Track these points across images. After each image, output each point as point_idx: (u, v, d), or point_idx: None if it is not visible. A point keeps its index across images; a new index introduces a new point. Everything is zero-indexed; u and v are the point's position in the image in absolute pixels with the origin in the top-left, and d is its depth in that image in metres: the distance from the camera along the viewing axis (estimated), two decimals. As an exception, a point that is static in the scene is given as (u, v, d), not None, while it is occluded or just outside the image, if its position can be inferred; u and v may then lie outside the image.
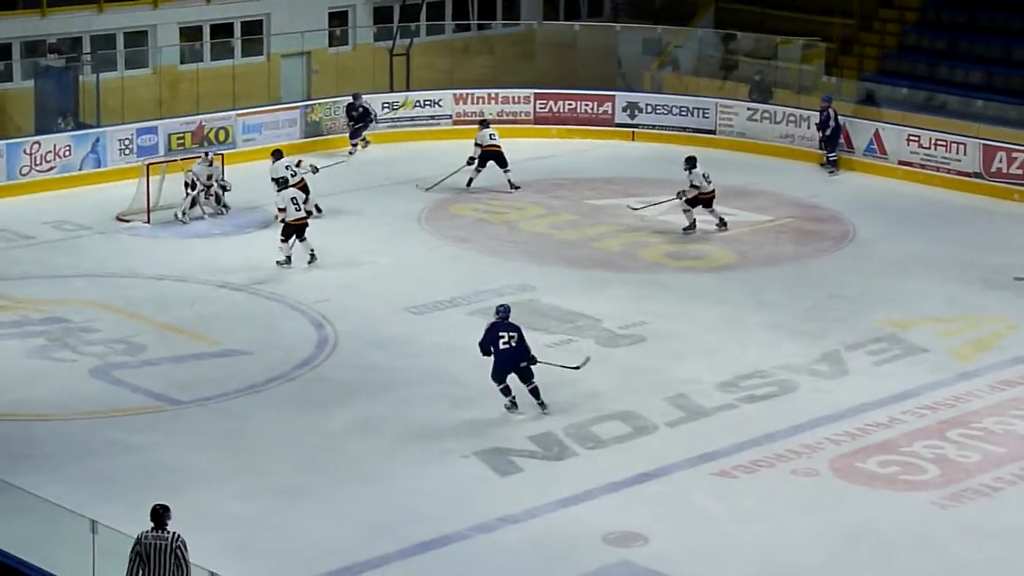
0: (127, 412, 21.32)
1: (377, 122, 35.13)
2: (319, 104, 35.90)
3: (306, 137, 35.23)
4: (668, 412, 21.57)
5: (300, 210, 27.07)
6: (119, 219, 29.73)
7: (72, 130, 32.81)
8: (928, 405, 21.99)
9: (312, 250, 27.04)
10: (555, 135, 36.69)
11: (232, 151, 32.90)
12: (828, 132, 33.98)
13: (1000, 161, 32.97)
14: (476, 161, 31.77)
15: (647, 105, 37.17)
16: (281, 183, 27.73)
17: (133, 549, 14.76)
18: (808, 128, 34.91)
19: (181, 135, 33.49)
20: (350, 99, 34.58)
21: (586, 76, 38.53)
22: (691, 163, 29.32)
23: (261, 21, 37.29)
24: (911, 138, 34.18)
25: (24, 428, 20.72)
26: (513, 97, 37.33)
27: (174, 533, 14.82)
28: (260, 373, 22.68)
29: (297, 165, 29.44)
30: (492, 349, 21.08)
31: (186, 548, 14.81)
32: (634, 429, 21.04)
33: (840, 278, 27.52)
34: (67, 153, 32.08)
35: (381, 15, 39.04)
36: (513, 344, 21.03)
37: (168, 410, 21.41)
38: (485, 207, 31.18)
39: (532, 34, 40.72)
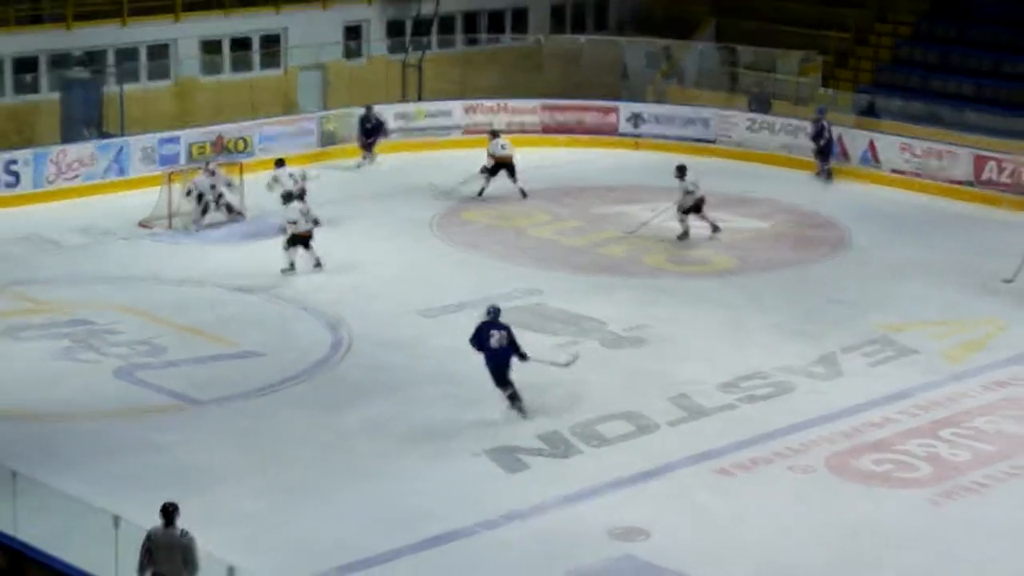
0: (149, 411, 21.34)
1: (388, 135, 35.07)
2: (334, 114, 35.93)
3: (322, 146, 35.28)
4: (670, 412, 21.55)
5: (308, 222, 27.05)
6: (142, 225, 29.76)
7: (96, 140, 32.84)
8: (921, 405, 21.97)
9: (318, 257, 27.00)
10: (561, 144, 36.69)
11: (251, 160, 32.93)
12: (822, 143, 33.96)
13: (991, 170, 32.96)
14: (489, 171, 31.72)
15: (650, 115, 37.20)
16: (286, 197, 27.77)
17: (144, 545, 14.78)
18: (805, 139, 34.87)
19: (202, 144, 33.52)
20: (363, 111, 34.50)
21: (591, 87, 38.55)
22: (682, 171, 29.20)
23: (279, 35, 37.33)
24: (905, 147, 34.19)
25: (50, 427, 20.73)
26: (521, 108, 37.39)
27: (183, 530, 14.84)
28: (276, 374, 22.69)
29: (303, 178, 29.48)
30: (483, 348, 21.02)
31: (194, 544, 14.83)
32: (637, 428, 21.02)
33: (837, 283, 27.50)
34: (92, 162, 32.15)
35: (394, 29, 39.08)
36: (504, 343, 20.97)
37: (188, 409, 21.43)
38: (494, 214, 31.18)
39: (539, 47, 40.73)
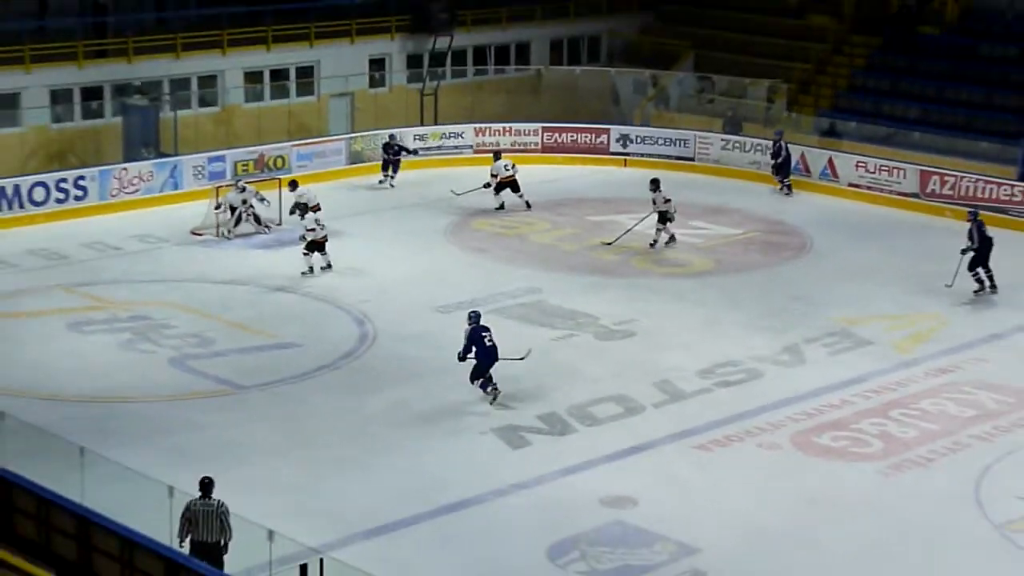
0: (199, 395, 21.33)
1: (416, 153, 34.90)
2: (361, 136, 35.89)
3: (350, 164, 35.22)
4: (655, 395, 21.54)
5: (323, 229, 27.00)
6: (193, 233, 29.71)
7: (154, 159, 32.82)
8: (874, 389, 21.96)
9: (329, 261, 26.90)
10: (559, 162, 36.67)
11: (288, 176, 32.89)
12: (780, 160, 33.94)
13: (934, 183, 32.90)
14: (494, 189, 31.60)
15: (637, 136, 37.09)
16: (302, 208, 27.74)
17: (183, 515, 14.81)
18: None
19: (245, 162, 33.49)
20: (387, 138, 34.19)
21: (586, 112, 38.49)
22: (655, 184, 28.94)
23: (312, 66, 37.26)
24: (860, 164, 34.10)
25: (112, 409, 20.73)
26: (524, 130, 37.27)
27: (219, 501, 14.88)
28: (311, 362, 22.68)
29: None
30: (475, 350, 20.71)
31: (228, 513, 14.86)
32: (626, 409, 21.01)
33: (800, 282, 27.46)
34: (149, 178, 32.09)
35: (413, 61, 39.02)
36: (494, 342, 20.86)
37: (233, 394, 21.41)
38: (500, 223, 31.12)
39: (540, 77, 40.66)
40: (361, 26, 37.98)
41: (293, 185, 29.74)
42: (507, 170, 31.76)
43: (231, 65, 35.81)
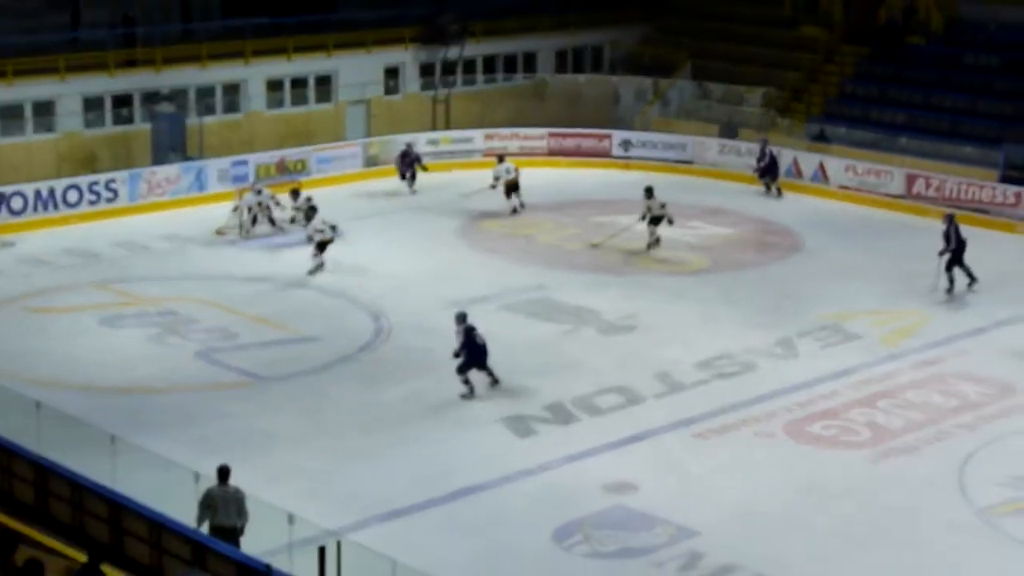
0: (224, 387, 21.35)
1: (427, 170, 33.90)
2: (376, 141, 35.90)
3: (366, 167, 35.24)
4: (655, 386, 21.53)
5: (328, 232, 26.91)
6: (217, 233, 29.73)
7: (180, 162, 32.84)
8: (862, 380, 21.94)
9: (324, 261, 26.73)
10: (564, 165, 36.66)
11: (307, 178, 32.96)
12: (765, 164, 33.88)
13: (920, 186, 32.89)
14: (504, 193, 31.37)
15: (638, 141, 37.09)
16: (309, 213, 27.55)
17: (203, 501, 14.83)
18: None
19: (267, 166, 33.52)
20: (404, 147, 33.74)
21: (589, 118, 38.44)
22: (650, 192, 28.69)
23: (330, 75, 37.26)
24: (849, 167, 34.07)
25: (142, 399, 20.77)
26: (530, 135, 37.29)
27: (235, 487, 14.89)
28: (329, 355, 22.69)
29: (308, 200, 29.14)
30: (469, 347, 20.61)
31: (244, 497, 14.88)
32: (627, 400, 21.00)
33: (792, 280, 27.43)
34: (177, 180, 32.15)
35: (426, 70, 38.99)
36: (483, 339, 20.76)
37: (255, 384, 21.44)
38: (508, 224, 31.11)
39: (546, 84, 40.62)
40: (377, 37, 37.99)
41: (295, 193, 29.64)
42: (508, 173, 31.66)
43: (254, 74, 35.82)
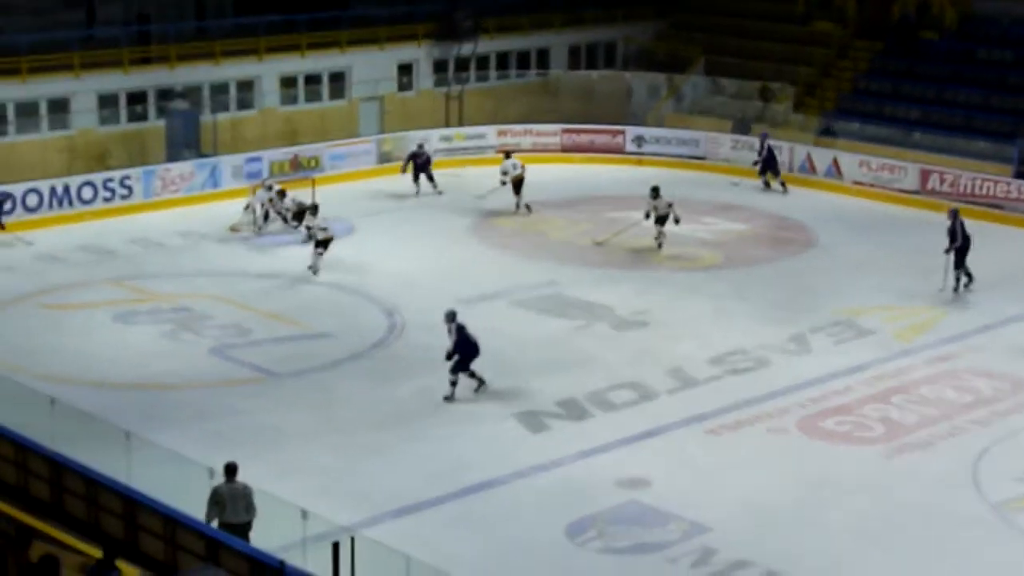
0: (237, 383, 21.38)
1: (436, 188, 33.16)
2: (390, 137, 35.91)
3: (379, 164, 35.24)
4: (667, 382, 21.51)
5: (330, 230, 26.75)
6: (231, 229, 29.76)
7: (195, 159, 32.88)
8: (876, 376, 21.88)
9: (319, 260, 26.53)
10: (577, 162, 36.62)
11: (321, 175, 32.98)
12: (763, 158, 33.76)
13: (934, 181, 32.79)
14: (513, 190, 31.23)
15: (651, 137, 37.06)
16: (313, 210, 27.43)
17: (211, 499, 14.84)
18: (780, 155, 34.77)
19: (281, 163, 33.55)
20: (415, 148, 33.29)
21: (602, 114, 38.42)
22: (656, 191, 28.41)
23: (344, 72, 37.28)
24: (863, 163, 34.00)
25: (156, 395, 20.81)
26: (544, 131, 37.28)
27: (243, 483, 14.90)
28: (342, 351, 22.70)
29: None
30: (463, 345, 20.45)
31: (252, 492, 14.90)
32: (640, 396, 20.98)
33: (806, 275, 27.36)
34: (191, 177, 32.20)
35: (439, 66, 38.99)
36: (475, 336, 20.64)
37: (269, 380, 21.46)
38: (521, 221, 31.08)
39: (559, 81, 40.61)
40: (390, 34, 37.99)
41: (282, 194, 29.52)
42: (515, 169, 31.54)
43: (267, 71, 35.85)
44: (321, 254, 26.49)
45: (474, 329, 20.90)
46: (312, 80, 36.84)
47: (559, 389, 20.98)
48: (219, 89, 35.14)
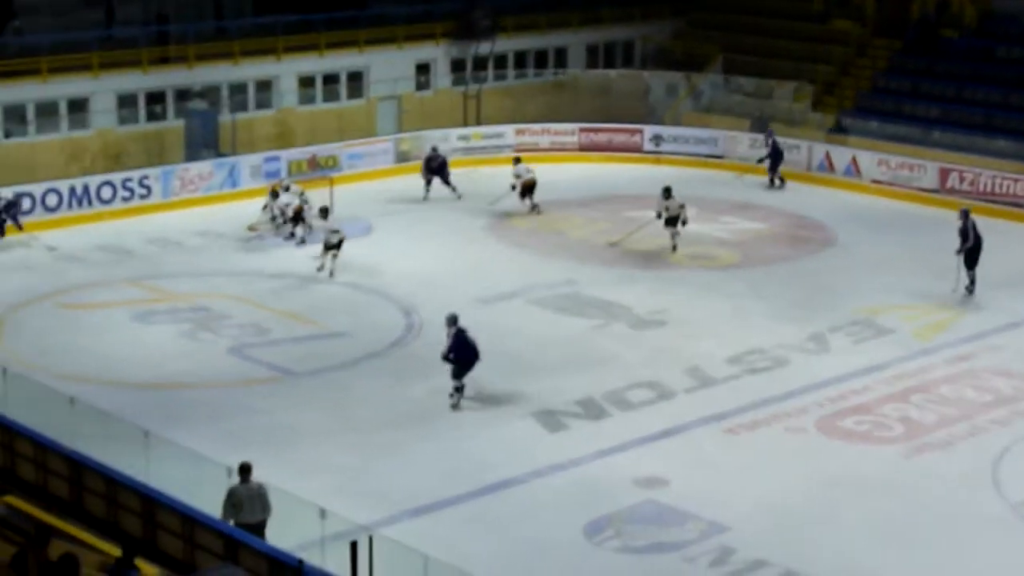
0: (255, 381, 21.42)
1: (448, 185, 32.80)
2: (408, 137, 35.94)
3: (397, 163, 35.27)
4: (685, 381, 21.48)
5: (342, 232, 26.55)
6: (249, 229, 29.80)
7: (213, 159, 32.96)
8: (895, 375, 21.81)
9: (323, 262, 26.48)
10: (595, 160, 36.59)
11: (339, 174, 33.00)
12: (768, 154, 33.71)
13: (953, 180, 32.68)
14: (519, 194, 31.07)
15: (669, 136, 37.01)
16: (323, 213, 27.31)
17: (228, 500, 14.87)
18: (798, 154, 34.71)
19: (299, 162, 33.60)
20: (430, 151, 32.94)
21: (620, 113, 38.38)
22: (668, 192, 28.28)
23: (362, 71, 37.32)
24: (882, 162, 33.90)
25: (175, 394, 20.86)
26: (562, 130, 37.27)
27: (258, 483, 14.94)
28: (359, 351, 22.73)
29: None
30: (461, 350, 20.13)
31: (267, 492, 14.93)
32: (658, 395, 20.96)
33: (824, 274, 27.30)
34: (209, 177, 32.27)
35: (457, 65, 39.00)
36: (474, 342, 20.36)
37: (287, 380, 21.50)
38: (538, 220, 31.06)
39: (577, 80, 40.58)
40: (408, 33, 38.02)
41: (275, 194, 29.37)
42: (528, 172, 31.44)
43: (286, 70, 35.91)
44: (336, 256, 26.45)
45: (477, 331, 20.80)
46: (330, 80, 36.89)
47: (577, 388, 20.97)
48: (237, 89, 35.21)
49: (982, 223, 26.31)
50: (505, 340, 22.89)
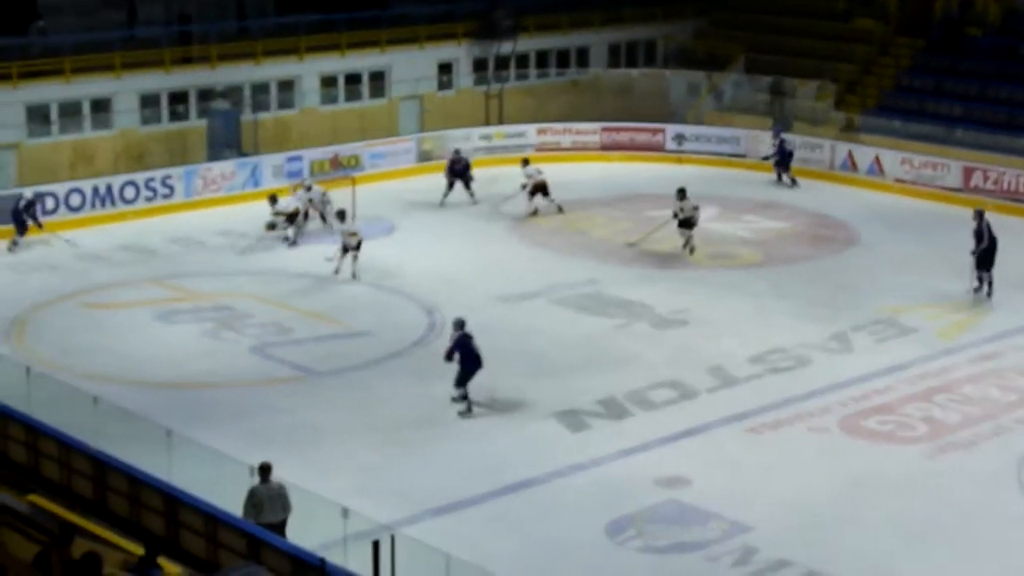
0: (277, 380, 21.46)
1: (472, 197, 32.39)
2: (430, 136, 35.96)
3: (419, 162, 35.30)
4: (708, 381, 21.43)
5: (360, 234, 26.52)
6: (268, 228, 29.74)
7: (235, 158, 33.04)
8: (918, 375, 21.72)
9: (339, 265, 26.46)
10: (617, 160, 36.55)
11: (361, 174, 33.04)
12: (775, 151, 33.59)
13: (977, 178, 32.52)
14: (528, 194, 31.01)
15: (691, 135, 36.94)
16: (340, 215, 27.31)
17: (249, 500, 14.90)
18: (822, 153, 34.58)
19: (321, 162, 33.66)
20: (453, 154, 32.62)
21: (642, 112, 38.31)
22: (683, 193, 28.11)
23: (384, 71, 37.36)
24: (905, 160, 33.76)
25: (198, 393, 20.92)
26: (584, 129, 37.23)
27: (278, 483, 14.97)
28: (382, 350, 22.75)
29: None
30: (462, 355, 19.97)
31: (288, 491, 14.95)
32: (680, 394, 20.92)
33: (847, 273, 27.20)
34: (232, 176, 32.36)
35: (479, 65, 39.01)
36: (479, 350, 20.16)
37: (309, 379, 21.53)
38: (560, 219, 31.03)
39: (599, 79, 40.53)
40: (430, 33, 38.05)
41: (273, 199, 29.45)
42: (540, 173, 31.33)
43: (308, 70, 35.97)
44: (356, 258, 26.41)
45: (499, 331, 20.88)
46: (352, 79, 36.94)
47: (599, 388, 20.94)
48: (260, 88, 35.30)
49: (1006, 222, 26.23)
50: (527, 339, 22.88)
